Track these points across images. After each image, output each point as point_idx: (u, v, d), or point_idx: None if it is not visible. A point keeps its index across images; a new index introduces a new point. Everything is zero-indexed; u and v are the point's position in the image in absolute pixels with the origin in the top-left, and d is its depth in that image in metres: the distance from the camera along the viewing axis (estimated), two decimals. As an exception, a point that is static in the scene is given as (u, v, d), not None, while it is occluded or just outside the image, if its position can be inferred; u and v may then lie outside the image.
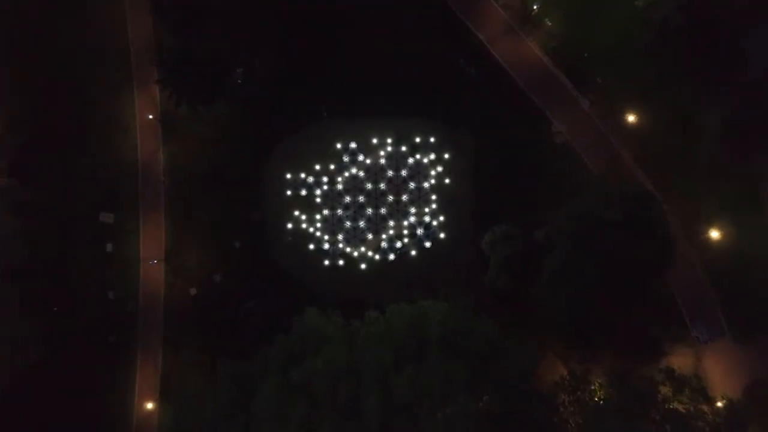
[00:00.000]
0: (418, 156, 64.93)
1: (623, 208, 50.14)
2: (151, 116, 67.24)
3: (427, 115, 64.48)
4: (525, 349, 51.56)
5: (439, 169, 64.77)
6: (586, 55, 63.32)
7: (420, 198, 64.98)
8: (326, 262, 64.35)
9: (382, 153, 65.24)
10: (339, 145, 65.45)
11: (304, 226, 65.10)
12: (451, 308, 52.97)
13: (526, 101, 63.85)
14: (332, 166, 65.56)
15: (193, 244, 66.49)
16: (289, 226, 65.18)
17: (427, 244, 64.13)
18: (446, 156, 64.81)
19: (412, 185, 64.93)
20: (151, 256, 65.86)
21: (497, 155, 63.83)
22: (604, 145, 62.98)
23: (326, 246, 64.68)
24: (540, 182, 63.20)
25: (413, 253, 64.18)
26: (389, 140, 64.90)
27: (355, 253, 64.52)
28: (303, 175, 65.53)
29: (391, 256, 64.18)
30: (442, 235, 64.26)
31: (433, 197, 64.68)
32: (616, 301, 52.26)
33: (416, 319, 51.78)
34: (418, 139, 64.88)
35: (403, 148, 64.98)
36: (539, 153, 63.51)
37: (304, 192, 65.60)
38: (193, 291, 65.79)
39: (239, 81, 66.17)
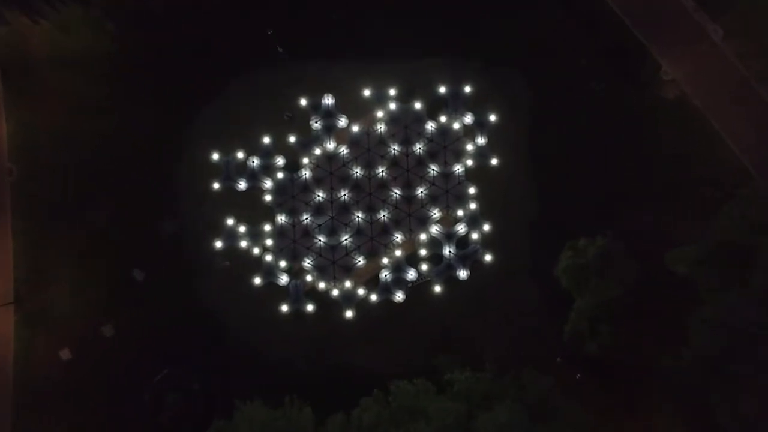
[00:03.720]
0: (443, 119, 50.99)
1: None
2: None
3: (456, 51, 51.77)
4: None
5: (480, 141, 50.40)
6: (719, -50, 50.07)
7: (448, 192, 50.41)
8: (284, 308, 50.09)
9: (380, 114, 51.43)
10: (304, 102, 51.75)
11: (244, 243, 51.05)
12: (515, 402, 38.61)
13: (620, 30, 51.72)
14: (292, 139, 51.47)
15: (64, 275, 53.37)
16: (220, 244, 51.02)
17: (463, 274, 48.98)
18: (491, 118, 50.66)
19: (433, 170, 50.44)
20: (-9, 297, 52.28)
21: (574, 118, 50.84)
22: (747, 100, 50.08)
23: (283, 279, 50.58)
24: (645, 163, 50.05)
25: (437, 289, 49.43)
26: (392, 92, 51.28)
27: (335, 292, 50.66)
28: (242, 155, 51.71)
29: (399, 296, 49.66)
30: (487, 257, 49.37)
31: (471, 191, 50.01)
32: None
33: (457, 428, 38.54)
34: (442, 90, 51.15)
35: (417, 106, 50.86)
36: (640, 114, 50.98)
37: (242, 185, 51.30)
38: (65, 355, 52.42)
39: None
